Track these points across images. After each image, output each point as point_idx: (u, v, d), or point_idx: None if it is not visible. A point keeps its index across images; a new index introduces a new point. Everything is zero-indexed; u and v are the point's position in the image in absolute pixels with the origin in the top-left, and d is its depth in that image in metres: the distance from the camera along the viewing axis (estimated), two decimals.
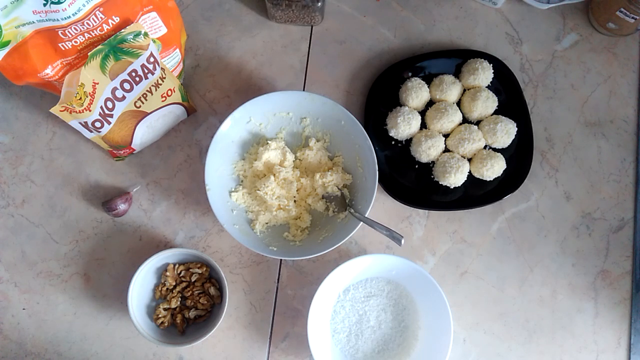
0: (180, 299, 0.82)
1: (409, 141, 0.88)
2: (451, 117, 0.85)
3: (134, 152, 0.86)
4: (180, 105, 0.84)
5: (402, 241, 0.75)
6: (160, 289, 0.82)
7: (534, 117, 0.90)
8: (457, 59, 0.90)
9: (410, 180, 0.87)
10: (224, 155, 0.82)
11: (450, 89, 0.86)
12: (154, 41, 0.73)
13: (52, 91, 0.76)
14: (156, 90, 0.77)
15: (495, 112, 0.88)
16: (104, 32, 0.67)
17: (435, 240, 0.87)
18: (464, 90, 0.89)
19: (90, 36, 0.67)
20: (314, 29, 0.93)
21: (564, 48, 0.93)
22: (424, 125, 0.88)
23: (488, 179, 0.86)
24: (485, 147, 0.87)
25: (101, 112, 0.73)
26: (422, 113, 0.88)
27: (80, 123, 0.73)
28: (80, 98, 0.68)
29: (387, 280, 0.83)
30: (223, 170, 0.83)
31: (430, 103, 0.89)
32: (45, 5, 0.62)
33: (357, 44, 0.93)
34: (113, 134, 0.78)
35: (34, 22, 0.64)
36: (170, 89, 0.79)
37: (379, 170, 0.79)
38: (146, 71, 0.72)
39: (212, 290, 0.82)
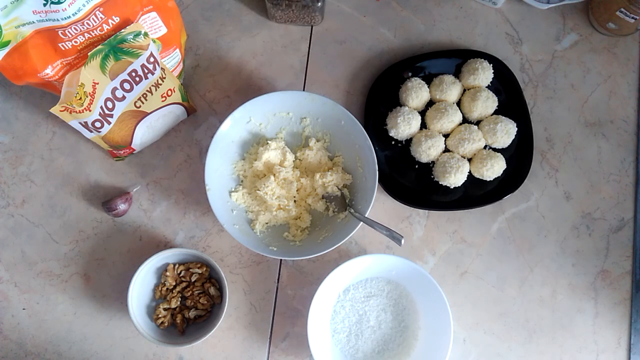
0: (180, 299, 0.82)
1: (409, 141, 0.88)
2: (451, 117, 0.85)
3: (134, 152, 0.86)
4: (180, 105, 0.84)
5: (402, 241, 0.75)
6: (160, 289, 0.82)
7: (534, 117, 0.90)
8: (457, 59, 0.90)
9: (410, 180, 0.87)
10: (224, 155, 0.82)
11: (450, 89, 0.86)
12: (154, 41, 0.73)
13: (52, 91, 0.76)
14: (156, 90, 0.77)
15: (495, 112, 0.88)
16: (104, 32, 0.67)
17: (435, 240, 0.87)
18: (464, 90, 0.89)
19: (90, 36, 0.67)
20: (314, 29, 0.93)
21: (564, 48, 0.93)
22: (424, 125, 0.88)
23: (488, 179, 0.86)
24: (485, 147, 0.87)
25: (101, 112, 0.73)
26: (422, 113, 0.88)
27: (80, 123, 0.73)
28: (80, 98, 0.68)
29: (387, 280, 0.83)
30: (223, 170, 0.83)
31: (430, 103, 0.89)
32: (45, 5, 0.62)
33: (357, 44, 0.93)
34: (113, 134, 0.78)
35: (34, 22, 0.64)
36: (170, 89, 0.79)
37: (379, 170, 0.79)
38: (146, 71, 0.72)
39: (212, 290, 0.82)
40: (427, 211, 0.87)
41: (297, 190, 0.84)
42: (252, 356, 0.83)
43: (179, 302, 0.82)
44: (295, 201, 0.85)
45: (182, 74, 0.88)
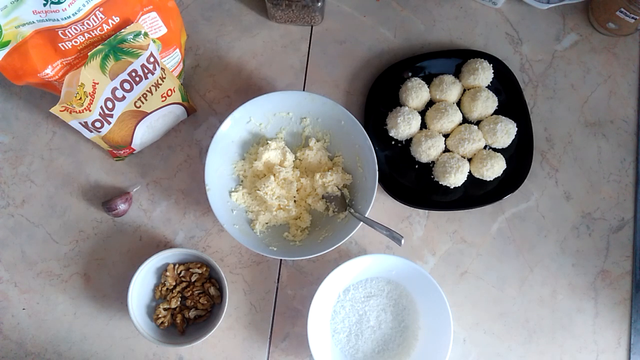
0: (180, 299, 0.82)
1: (409, 141, 0.88)
2: (451, 117, 0.85)
3: (134, 152, 0.86)
4: (180, 105, 0.84)
5: (402, 241, 0.75)
6: (160, 289, 0.82)
7: (534, 117, 0.90)
8: (457, 59, 0.90)
9: (410, 180, 0.87)
10: (224, 155, 0.82)
11: (450, 89, 0.86)
12: (154, 41, 0.73)
13: (52, 91, 0.76)
14: (156, 90, 0.77)
15: (495, 112, 0.88)
16: (104, 32, 0.67)
17: (435, 240, 0.87)
18: (464, 90, 0.89)
19: (90, 36, 0.67)
20: (314, 29, 0.93)
21: (564, 48, 0.93)
22: (424, 125, 0.88)
23: (488, 179, 0.86)
24: (485, 147, 0.87)
25: (101, 112, 0.73)
26: (422, 113, 0.88)
27: (80, 123, 0.73)
28: (80, 98, 0.68)
29: (387, 280, 0.83)
30: (223, 170, 0.83)
31: (430, 103, 0.89)
32: (45, 5, 0.62)
33: (357, 44, 0.93)
34: (113, 134, 0.78)
35: (34, 22, 0.64)
36: (170, 89, 0.79)
37: (379, 170, 0.79)
38: (146, 71, 0.72)
39: (212, 290, 0.82)
40: (427, 211, 0.87)
41: (297, 190, 0.84)
42: (252, 356, 0.83)
43: (179, 302, 0.82)
44: (295, 201, 0.85)
45: (182, 74, 0.88)
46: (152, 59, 0.71)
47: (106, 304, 0.84)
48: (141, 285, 0.81)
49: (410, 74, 0.89)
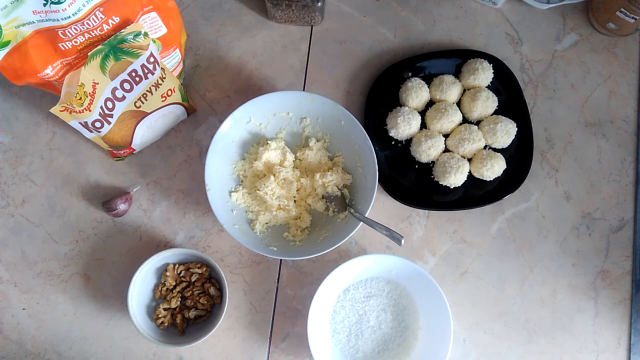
0: (180, 299, 0.82)
1: (409, 141, 0.88)
2: (451, 117, 0.85)
3: (134, 152, 0.86)
4: (180, 105, 0.84)
5: (402, 241, 0.75)
6: (160, 289, 0.82)
7: (534, 117, 0.90)
8: (457, 59, 0.90)
9: (410, 180, 0.87)
10: (224, 155, 0.82)
11: (450, 89, 0.86)
12: (154, 41, 0.73)
13: (52, 91, 0.76)
14: (156, 90, 0.77)
15: (495, 112, 0.88)
16: (104, 32, 0.67)
17: (435, 240, 0.87)
18: (464, 90, 0.89)
19: (90, 36, 0.67)
20: (314, 29, 0.93)
21: (564, 48, 0.93)
22: (424, 125, 0.88)
23: (488, 179, 0.86)
24: (485, 147, 0.87)
25: (101, 112, 0.73)
26: (422, 113, 0.88)
27: (80, 123, 0.73)
28: (80, 98, 0.68)
29: (387, 280, 0.83)
30: (223, 170, 0.83)
31: (430, 103, 0.89)
32: (45, 5, 0.62)
33: (357, 44, 0.93)
34: (113, 134, 0.78)
35: (34, 22, 0.64)
36: (170, 89, 0.79)
37: (379, 170, 0.79)
38: (146, 71, 0.72)
39: (212, 290, 0.82)
40: (427, 211, 0.87)
41: (297, 190, 0.84)
42: (252, 356, 0.83)
43: (179, 302, 0.82)
44: (295, 201, 0.85)
45: (182, 74, 0.88)
46: (152, 59, 0.71)
47: (106, 304, 0.84)
48: (141, 285, 0.81)
49: (410, 74, 0.89)
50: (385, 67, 0.91)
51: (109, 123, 0.76)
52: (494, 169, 0.84)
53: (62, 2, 0.62)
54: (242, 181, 0.85)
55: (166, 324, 0.81)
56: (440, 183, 0.86)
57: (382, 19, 0.93)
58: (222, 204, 0.80)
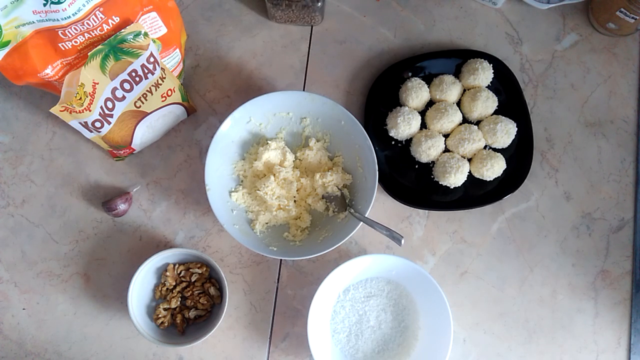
0: (180, 299, 0.82)
1: (409, 141, 0.88)
2: (451, 117, 0.85)
3: (134, 152, 0.86)
4: (180, 105, 0.84)
5: (402, 241, 0.75)
6: (160, 289, 0.82)
7: (534, 117, 0.90)
8: (457, 59, 0.90)
9: (410, 180, 0.87)
10: (224, 155, 0.82)
11: (450, 89, 0.86)
12: (154, 41, 0.73)
13: (52, 91, 0.76)
14: (156, 90, 0.77)
15: (495, 112, 0.88)
16: (104, 32, 0.67)
17: (435, 240, 0.87)
18: (464, 90, 0.89)
19: (90, 36, 0.67)
20: (314, 29, 0.93)
21: (564, 48, 0.93)
22: (424, 125, 0.88)
23: (488, 179, 0.86)
24: (485, 147, 0.87)
25: (101, 112, 0.73)
26: (422, 113, 0.88)
27: (80, 123, 0.73)
28: (80, 98, 0.68)
29: (387, 280, 0.83)
30: (223, 170, 0.83)
31: (430, 103, 0.89)
32: (45, 5, 0.62)
33: (357, 44, 0.93)
34: (113, 134, 0.78)
35: (34, 22, 0.64)
36: (170, 89, 0.79)
37: (379, 170, 0.79)
38: (146, 71, 0.72)
39: (212, 290, 0.82)
40: (427, 211, 0.87)
41: (297, 190, 0.84)
42: (252, 356, 0.83)
43: (179, 302, 0.82)
44: (295, 201, 0.85)
45: (182, 74, 0.88)
46: (152, 59, 0.71)
47: (106, 304, 0.84)
48: (141, 285, 0.81)
49: (410, 74, 0.89)
50: (385, 67, 0.91)
51: (109, 123, 0.76)
52: (494, 169, 0.84)
53: (62, 2, 0.62)
54: (242, 181, 0.85)
55: (166, 324, 0.81)
56: (440, 183, 0.86)
57: (382, 19, 0.93)
58: (222, 204, 0.80)
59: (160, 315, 0.81)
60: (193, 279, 0.82)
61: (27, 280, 0.85)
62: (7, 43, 0.65)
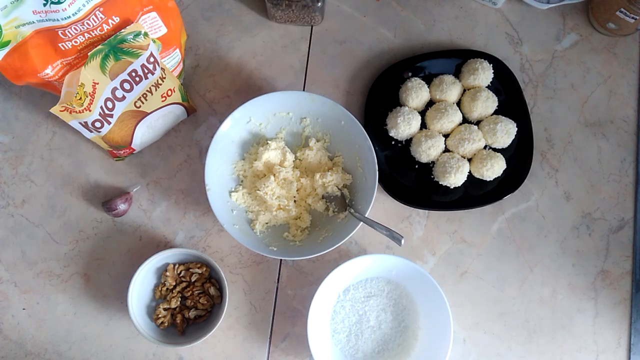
0: (180, 299, 0.82)
1: (409, 141, 0.88)
2: (451, 117, 0.85)
3: (134, 152, 0.86)
4: (180, 105, 0.84)
5: (402, 241, 0.75)
6: (160, 289, 0.82)
7: (534, 117, 0.90)
8: (457, 59, 0.90)
9: (410, 180, 0.87)
10: (224, 155, 0.82)
11: (450, 89, 0.86)
12: (154, 41, 0.73)
13: (52, 91, 0.77)
14: (156, 90, 0.77)
15: (495, 112, 0.88)
16: (104, 32, 0.67)
17: (435, 240, 0.87)
18: (464, 90, 0.89)
19: (90, 36, 0.67)
20: (314, 29, 0.93)
21: (564, 48, 0.93)
22: (424, 125, 0.88)
23: (488, 179, 0.86)
24: (485, 147, 0.87)
25: (101, 112, 0.73)
26: (422, 113, 0.88)
27: (80, 123, 0.73)
28: (80, 98, 0.68)
29: (387, 280, 0.83)
30: (223, 170, 0.83)
31: (430, 103, 0.89)
32: (45, 5, 0.62)
33: (357, 44, 0.93)
34: (113, 134, 0.78)
35: (34, 22, 0.64)
36: (170, 89, 0.79)
37: (379, 170, 0.79)
38: (146, 71, 0.72)
39: (212, 290, 0.82)
40: (427, 211, 0.87)
41: (297, 190, 0.84)
42: (252, 356, 0.83)
43: (179, 302, 0.82)
44: (295, 201, 0.85)
45: (182, 74, 0.88)
46: (152, 59, 0.71)
47: (106, 304, 0.84)
48: (141, 285, 0.81)
49: (410, 74, 0.89)
50: (385, 67, 0.91)
51: (109, 123, 0.76)
52: (494, 169, 0.84)
53: (62, 2, 0.62)
54: (242, 181, 0.85)
55: (166, 324, 0.81)
56: (440, 183, 0.86)
57: (382, 19, 0.93)
58: (222, 204, 0.80)
59: (160, 315, 0.81)
60: (193, 279, 0.82)
61: (27, 280, 0.85)
62: (7, 43, 0.65)
